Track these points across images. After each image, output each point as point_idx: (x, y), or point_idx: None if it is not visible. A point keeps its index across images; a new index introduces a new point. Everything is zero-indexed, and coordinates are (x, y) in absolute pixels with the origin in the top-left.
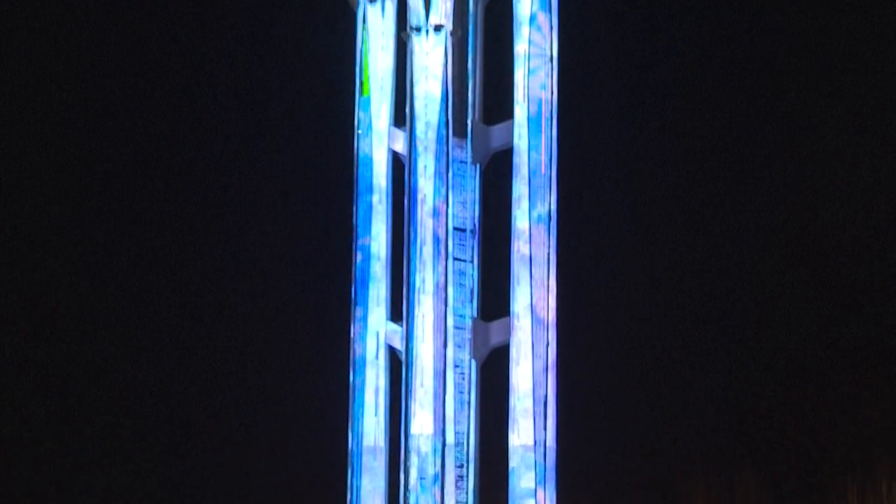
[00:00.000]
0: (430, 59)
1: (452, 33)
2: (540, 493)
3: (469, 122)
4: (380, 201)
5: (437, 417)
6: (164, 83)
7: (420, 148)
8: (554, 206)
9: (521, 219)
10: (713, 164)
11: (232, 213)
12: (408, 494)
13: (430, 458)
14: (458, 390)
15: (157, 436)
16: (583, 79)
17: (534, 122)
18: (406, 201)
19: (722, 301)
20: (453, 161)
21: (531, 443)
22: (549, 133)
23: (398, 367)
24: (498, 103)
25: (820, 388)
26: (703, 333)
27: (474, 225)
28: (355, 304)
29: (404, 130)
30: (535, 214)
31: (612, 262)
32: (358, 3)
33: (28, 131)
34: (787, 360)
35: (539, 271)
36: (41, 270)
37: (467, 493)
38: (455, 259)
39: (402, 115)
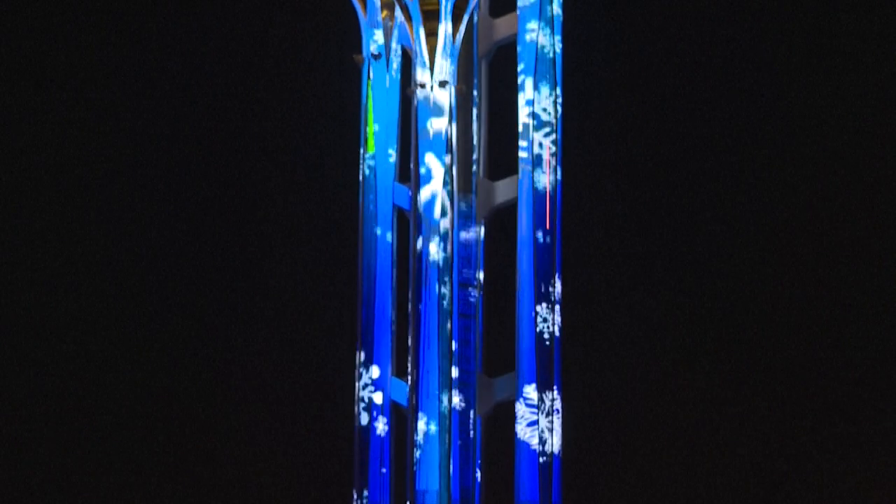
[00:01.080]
0: (435, 114)
1: (457, 89)
2: None
3: (474, 178)
4: (384, 257)
5: (441, 473)
6: (168, 152)
7: (424, 202)
8: (558, 280)
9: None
10: (714, 164)
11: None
12: None
13: None
14: (463, 446)
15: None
16: (584, 79)
17: (539, 176)
18: (410, 257)
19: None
20: (458, 217)
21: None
22: (554, 189)
23: (403, 423)
24: (503, 158)
25: (821, 388)
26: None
27: (479, 280)
28: (360, 361)
29: (409, 186)
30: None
31: (614, 262)
32: (363, 60)
33: (28, 132)
34: (789, 360)
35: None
36: (41, 270)
37: None
38: (460, 315)
39: (406, 170)
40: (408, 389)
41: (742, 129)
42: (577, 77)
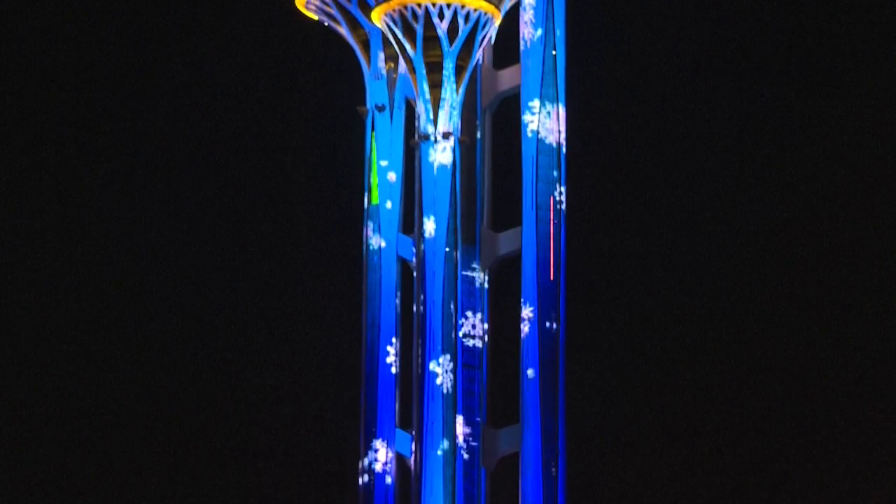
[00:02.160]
0: (438, 165)
1: (461, 140)
2: None
3: (477, 229)
4: (389, 308)
5: None
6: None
7: (429, 255)
8: (562, 315)
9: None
10: (713, 165)
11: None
12: None
13: None
14: (468, 498)
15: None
16: (584, 79)
17: (543, 229)
18: (415, 308)
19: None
20: (462, 268)
21: None
22: (558, 239)
23: (407, 474)
24: (507, 209)
25: (821, 388)
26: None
27: (483, 331)
28: (364, 417)
29: (412, 237)
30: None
31: (616, 261)
32: (367, 112)
33: (29, 132)
34: (790, 360)
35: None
36: (41, 270)
37: None
38: (464, 365)
39: (410, 222)
40: (412, 441)
41: (742, 129)
42: (579, 78)
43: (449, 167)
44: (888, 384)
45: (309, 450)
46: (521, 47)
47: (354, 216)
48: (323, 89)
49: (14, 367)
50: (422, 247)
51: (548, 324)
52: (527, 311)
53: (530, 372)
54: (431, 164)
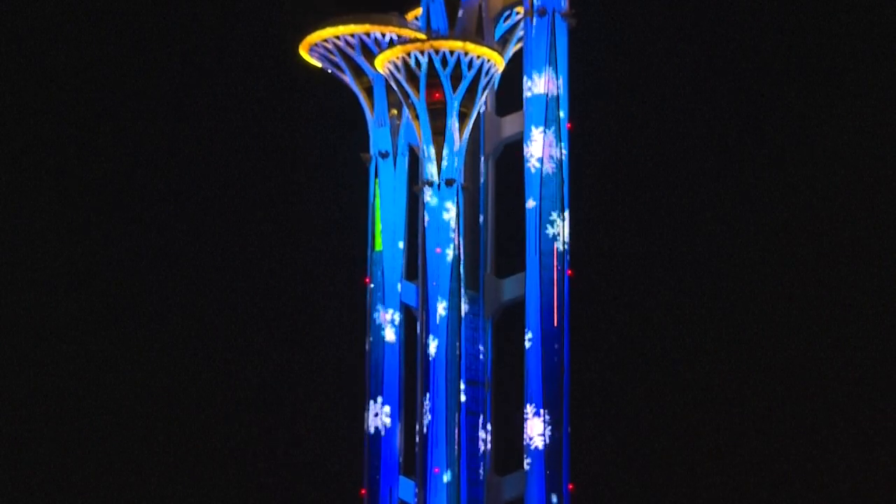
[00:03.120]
0: (442, 211)
1: (464, 187)
2: None
3: (481, 275)
4: (392, 354)
5: None
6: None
7: (432, 302)
8: (566, 360)
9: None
10: (714, 165)
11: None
12: None
13: None
14: None
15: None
16: (586, 80)
17: (546, 275)
18: (418, 354)
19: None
20: (466, 314)
21: None
22: (561, 285)
23: None
24: (510, 256)
25: (822, 387)
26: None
27: (487, 377)
28: (368, 466)
29: (416, 284)
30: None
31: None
32: (370, 158)
33: (29, 133)
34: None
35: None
36: (42, 270)
37: None
38: (468, 412)
39: (414, 268)
40: (415, 488)
41: (743, 130)
42: (581, 79)
43: (453, 213)
44: (888, 384)
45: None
46: (524, 94)
47: (357, 261)
48: (326, 136)
49: (14, 366)
50: (425, 293)
51: (552, 369)
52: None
53: (535, 423)
54: (435, 210)
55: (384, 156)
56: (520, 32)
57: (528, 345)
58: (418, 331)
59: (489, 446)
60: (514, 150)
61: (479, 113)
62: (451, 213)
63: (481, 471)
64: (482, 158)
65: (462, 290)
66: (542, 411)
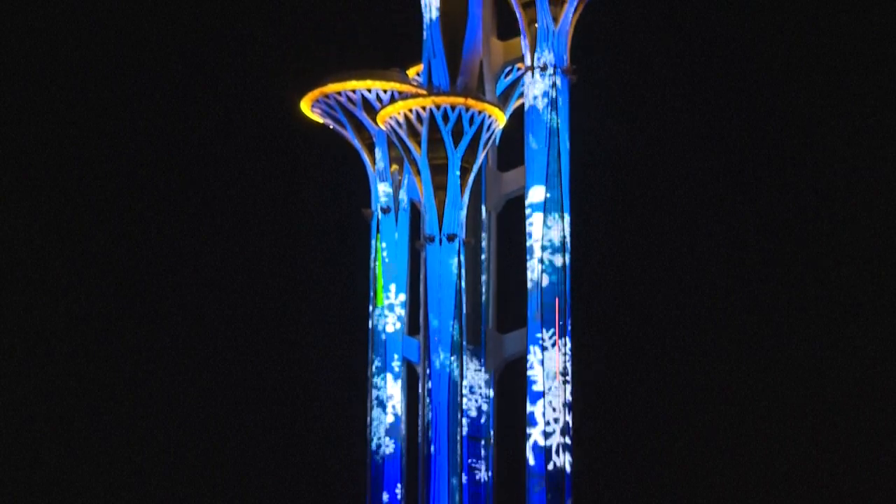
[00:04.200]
0: (444, 267)
1: (465, 242)
2: None
3: (483, 331)
4: (394, 410)
5: None
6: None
7: (434, 357)
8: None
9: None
10: (714, 166)
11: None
12: None
13: None
14: None
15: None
16: (588, 83)
17: (548, 332)
18: (420, 409)
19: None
20: (467, 369)
21: None
22: (564, 343)
23: None
24: (512, 311)
25: (822, 387)
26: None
27: (488, 432)
28: None
29: (418, 339)
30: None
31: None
32: (372, 214)
33: (30, 133)
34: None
35: None
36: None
37: None
38: (470, 467)
39: (415, 323)
40: None
41: (743, 130)
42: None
43: (454, 268)
44: (888, 384)
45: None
46: (526, 150)
47: (360, 318)
48: (327, 191)
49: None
50: (426, 349)
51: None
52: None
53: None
54: (436, 266)
55: (386, 211)
56: (521, 88)
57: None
58: (420, 385)
59: (491, 501)
60: (515, 205)
61: (480, 168)
62: (452, 269)
63: None
64: (484, 213)
65: (464, 346)
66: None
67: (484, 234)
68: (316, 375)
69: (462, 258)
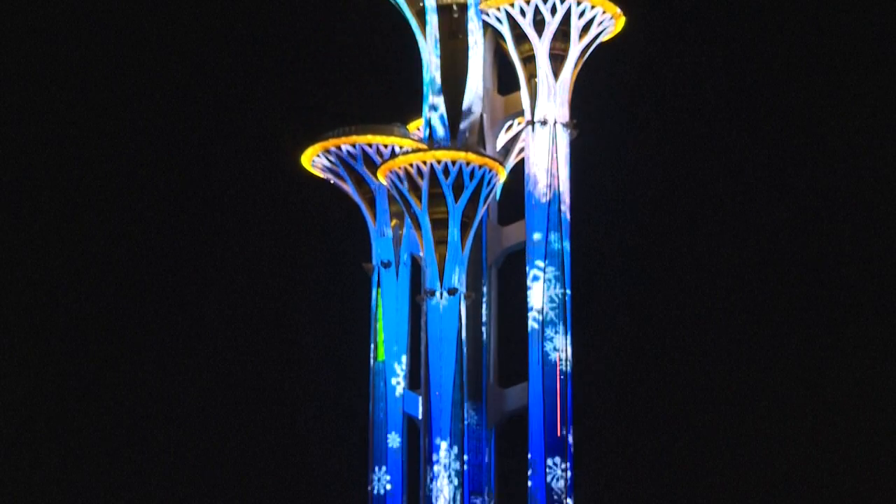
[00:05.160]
0: (444, 322)
1: (466, 296)
2: None
3: (484, 385)
4: (395, 465)
5: None
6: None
7: (435, 412)
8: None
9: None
10: (714, 166)
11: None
12: None
13: None
14: None
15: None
16: (592, 86)
17: (549, 387)
18: (421, 465)
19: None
20: (469, 425)
21: None
22: (565, 397)
23: None
24: (513, 366)
25: (822, 387)
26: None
27: (490, 488)
28: None
29: (419, 394)
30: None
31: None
32: (372, 268)
33: (31, 134)
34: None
35: None
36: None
37: None
38: None
39: (416, 378)
40: None
41: (742, 131)
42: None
43: (455, 322)
44: (888, 384)
45: None
46: (527, 204)
47: (361, 373)
48: (327, 246)
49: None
50: (427, 403)
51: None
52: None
53: None
54: (437, 320)
55: (386, 265)
56: (521, 142)
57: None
58: (421, 440)
59: None
60: (516, 259)
61: (480, 222)
62: (453, 323)
63: None
64: (484, 267)
65: (465, 400)
66: None
67: (484, 289)
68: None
69: (463, 312)
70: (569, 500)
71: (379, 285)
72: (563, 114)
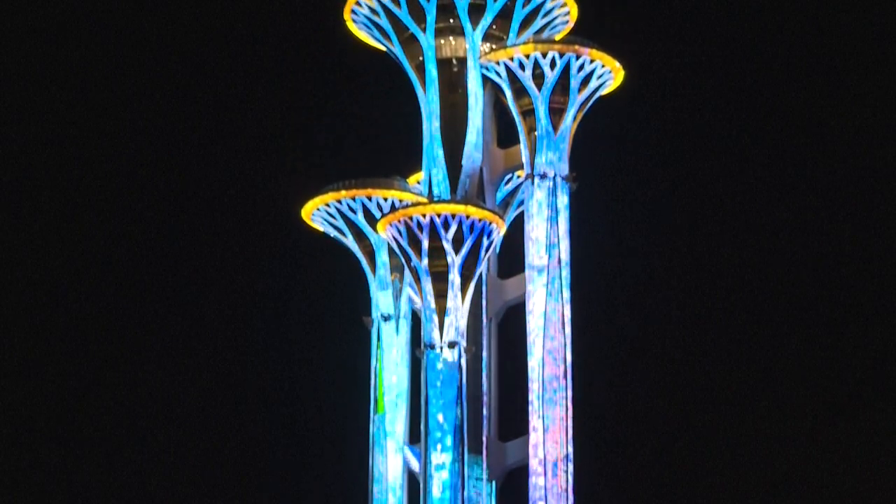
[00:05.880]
0: (444, 375)
1: (466, 350)
2: None
3: (484, 439)
4: None
5: None
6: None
7: (435, 466)
8: None
9: None
10: (715, 166)
11: None
12: None
13: None
14: None
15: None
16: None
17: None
18: None
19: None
20: (469, 478)
21: None
22: (566, 454)
23: None
24: (514, 419)
25: (822, 388)
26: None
27: None
28: None
29: (419, 448)
30: None
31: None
32: (372, 322)
33: (31, 134)
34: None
35: None
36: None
37: None
38: None
39: (417, 432)
40: None
41: (742, 132)
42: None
43: (455, 377)
44: (889, 384)
45: None
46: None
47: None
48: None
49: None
50: (427, 457)
51: None
52: None
53: None
54: (437, 374)
55: (386, 319)
56: (521, 195)
57: None
58: (421, 495)
59: None
60: (516, 312)
61: (481, 275)
62: (453, 377)
63: None
64: (484, 321)
65: (465, 454)
66: None
67: (484, 342)
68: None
69: (463, 366)
70: None
71: (379, 339)
72: (563, 167)
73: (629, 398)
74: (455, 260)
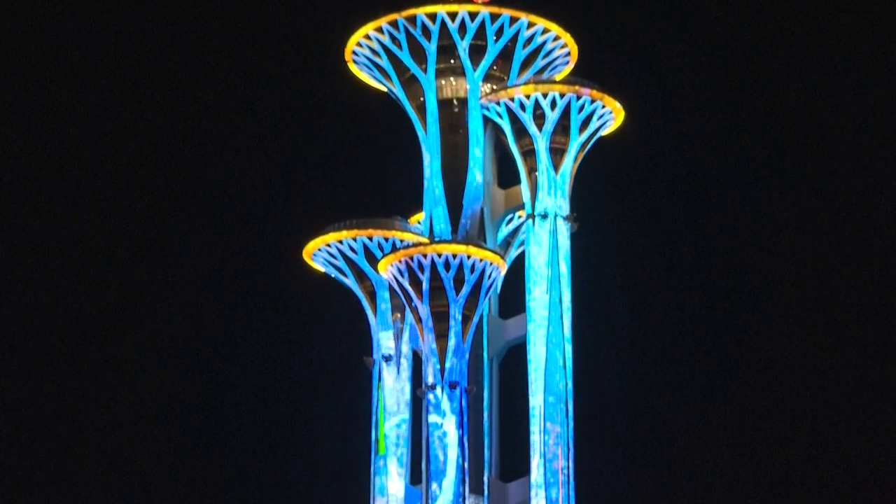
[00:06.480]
0: (446, 418)
1: (468, 390)
2: None
3: (485, 479)
4: None
5: None
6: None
7: None
8: None
9: None
10: (715, 167)
11: None
12: None
13: None
14: None
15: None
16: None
17: (551, 477)
18: None
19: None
20: None
21: None
22: (567, 493)
23: None
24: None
25: (821, 388)
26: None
27: None
28: None
29: (421, 488)
30: None
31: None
32: (373, 362)
33: (31, 134)
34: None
35: None
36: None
37: None
38: None
39: (418, 472)
40: None
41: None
42: None
43: (456, 418)
44: (889, 384)
45: None
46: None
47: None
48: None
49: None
50: (429, 497)
51: None
52: None
53: None
54: (438, 414)
55: (387, 359)
56: (522, 235)
57: None
58: None
59: None
60: (517, 352)
61: (481, 315)
62: (454, 417)
63: None
64: (485, 360)
65: (466, 494)
66: None
67: (485, 382)
68: None
69: (464, 406)
70: None
71: (380, 379)
72: (564, 207)
73: (628, 425)
74: (456, 300)
